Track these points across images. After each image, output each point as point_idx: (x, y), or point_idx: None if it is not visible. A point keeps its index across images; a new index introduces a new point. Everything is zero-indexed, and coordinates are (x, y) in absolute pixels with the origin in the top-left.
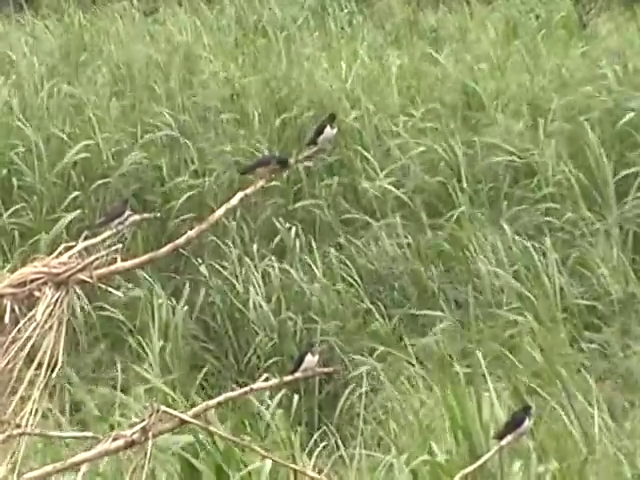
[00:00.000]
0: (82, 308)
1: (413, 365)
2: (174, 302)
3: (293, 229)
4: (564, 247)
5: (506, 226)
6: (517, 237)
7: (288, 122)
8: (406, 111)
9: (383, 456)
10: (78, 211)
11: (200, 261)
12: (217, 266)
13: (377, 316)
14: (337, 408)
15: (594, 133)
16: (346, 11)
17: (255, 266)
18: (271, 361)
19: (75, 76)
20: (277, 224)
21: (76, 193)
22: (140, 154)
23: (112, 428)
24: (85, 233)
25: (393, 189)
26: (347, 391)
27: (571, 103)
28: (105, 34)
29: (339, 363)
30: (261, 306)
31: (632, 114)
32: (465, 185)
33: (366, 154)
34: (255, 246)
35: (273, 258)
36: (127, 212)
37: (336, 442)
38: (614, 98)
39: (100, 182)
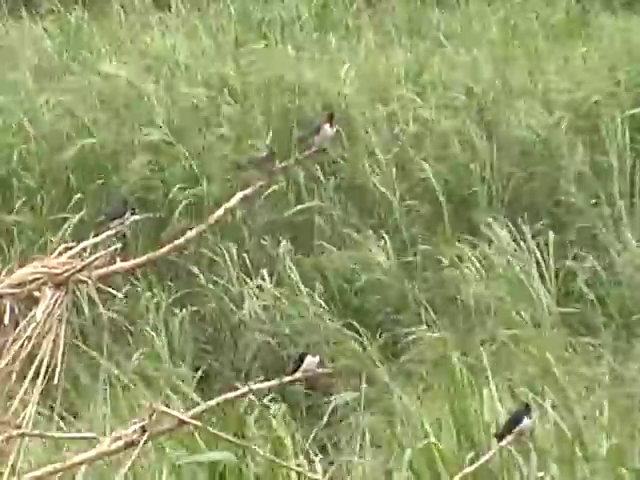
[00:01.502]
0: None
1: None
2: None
3: (288, 238)
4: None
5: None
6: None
7: (290, 124)
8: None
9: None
10: (82, 212)
11: (197, 267)
12: (214, 276)
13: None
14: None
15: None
16: (349, 9)
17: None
18: (269, 364)
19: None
20: (273, 229)
21: (78, 196)
22: (139, 156)
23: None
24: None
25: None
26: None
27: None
28: (104, 34)
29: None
30: (256, 313)
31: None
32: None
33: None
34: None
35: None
36: (127, 212)
37: (336, 444)
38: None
39: (99, 182)
